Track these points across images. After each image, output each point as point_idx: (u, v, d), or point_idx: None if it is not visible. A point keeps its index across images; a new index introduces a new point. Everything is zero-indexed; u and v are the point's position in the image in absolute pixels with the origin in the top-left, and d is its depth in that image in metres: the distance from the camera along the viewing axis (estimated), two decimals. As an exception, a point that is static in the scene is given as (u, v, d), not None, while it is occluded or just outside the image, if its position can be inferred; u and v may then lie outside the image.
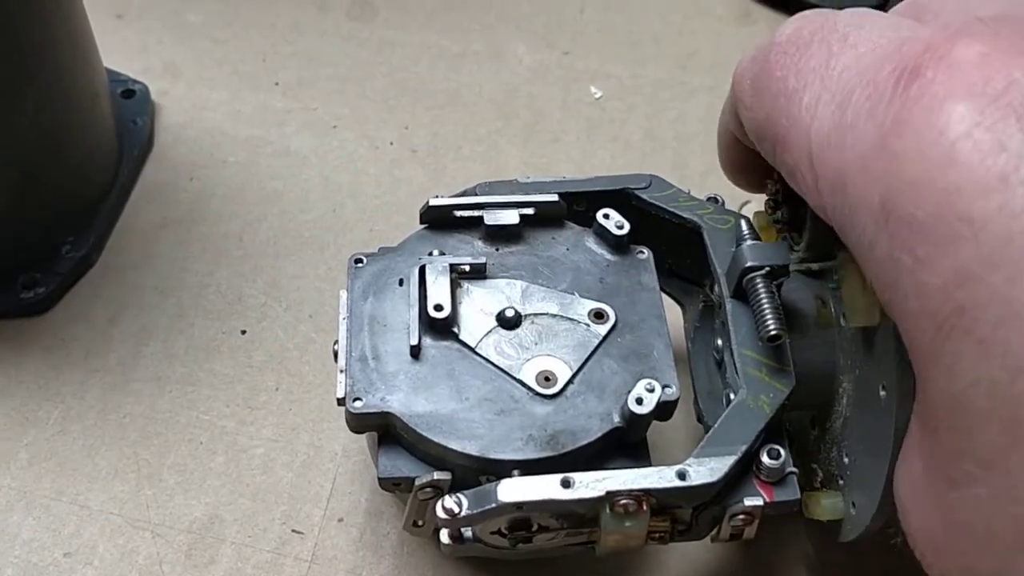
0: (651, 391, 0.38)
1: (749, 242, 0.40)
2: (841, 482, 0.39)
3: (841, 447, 0.40)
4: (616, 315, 0.41)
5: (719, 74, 0.66)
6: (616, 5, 0.70)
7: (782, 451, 0.37)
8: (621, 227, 0.43)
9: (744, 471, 0.38)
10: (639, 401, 0.37)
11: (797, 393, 0.38)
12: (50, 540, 0.47)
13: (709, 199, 0.44)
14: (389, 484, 0.39)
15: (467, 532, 0.38)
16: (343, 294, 0.42)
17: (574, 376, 0.39)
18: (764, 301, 0.38)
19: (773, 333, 0.38)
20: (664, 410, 0.39)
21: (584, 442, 0.38)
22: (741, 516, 0.38)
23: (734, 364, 0.39)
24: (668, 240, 0.44)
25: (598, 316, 0.41)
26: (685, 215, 0.43)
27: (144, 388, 0.51)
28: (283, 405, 0.51)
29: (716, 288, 0.43)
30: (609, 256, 0.43)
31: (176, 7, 0.68)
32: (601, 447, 0.38)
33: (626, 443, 0.39)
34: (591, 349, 0.40)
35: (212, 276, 0.55)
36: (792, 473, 0.38)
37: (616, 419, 0.38)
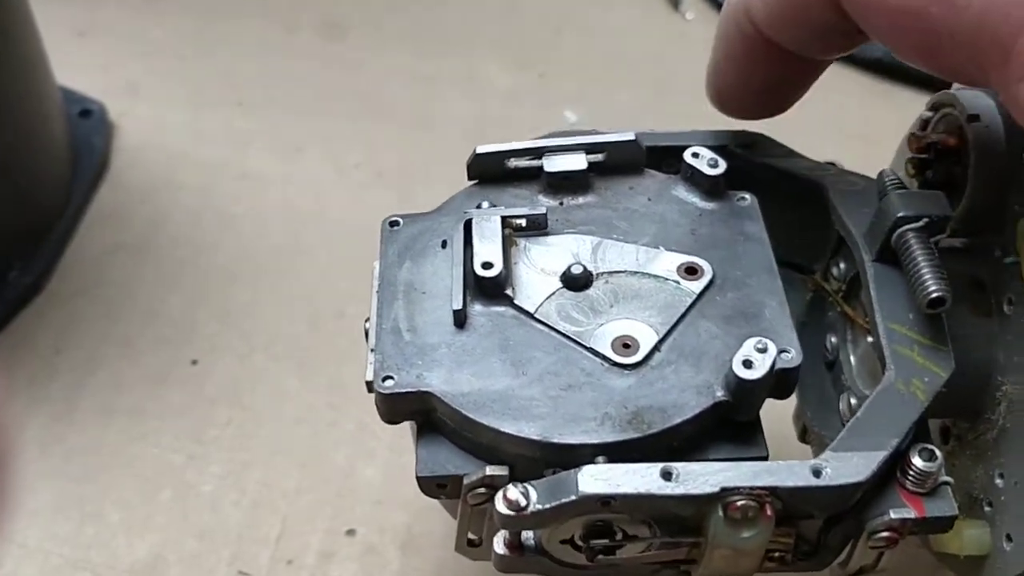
0: (763, 351, 0.30)
1: (898, 191, 0.33)
2: (988, 509, 0.33)
3: (992, 465, 0.34)
4: (713, 270, 0.34)
5: (696, 99, 0.64)
6: (593, 28, 0.68)
7: (937, 452, 0.30)
8: (715, 165, 0.36)
9: (887, 477, 0.31)
10: (747, 364, 0.30)
11: (940, 395, 0.32)
12: (-17, 581, 0.45)
13: (827, 163, 0.38)
14: (432, 486, 0.32)
15: (529, 540, 0.32)
16: (376, 264, 0.36)
17: (661, 342, 0.32)
18: (921, 258, 0.32)
19: (936, 295, 0.31)
20: (782, 382, 0.32)
21: (677, 420, 0.31)
22: (883, 535, 0.30)
23: (879, 342, 0.32)
24: (777, 209, 0.37)
25: (690, 271, 0.34)
26: (803, 173, 0.36)
27: (89, 419, 0.49)
28: (234, 440, 0.49)
29: (836, 269, 0.36)
30: (702, 203, 0.36)
31: (141, 23, 0.67)
32: (700, 428, 0.31)
33: (734, 425, 0.32)
34: (682, 310, 0.33)
35: (164, 303, 0.53)
36: (947, 483, 0.31)
37: (719, 392, 0.31)
